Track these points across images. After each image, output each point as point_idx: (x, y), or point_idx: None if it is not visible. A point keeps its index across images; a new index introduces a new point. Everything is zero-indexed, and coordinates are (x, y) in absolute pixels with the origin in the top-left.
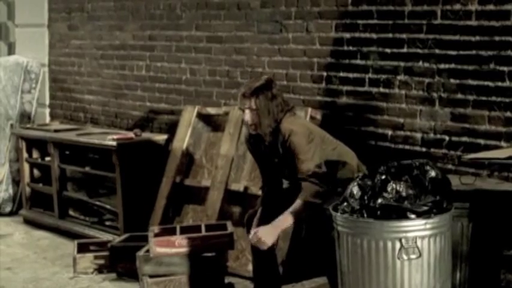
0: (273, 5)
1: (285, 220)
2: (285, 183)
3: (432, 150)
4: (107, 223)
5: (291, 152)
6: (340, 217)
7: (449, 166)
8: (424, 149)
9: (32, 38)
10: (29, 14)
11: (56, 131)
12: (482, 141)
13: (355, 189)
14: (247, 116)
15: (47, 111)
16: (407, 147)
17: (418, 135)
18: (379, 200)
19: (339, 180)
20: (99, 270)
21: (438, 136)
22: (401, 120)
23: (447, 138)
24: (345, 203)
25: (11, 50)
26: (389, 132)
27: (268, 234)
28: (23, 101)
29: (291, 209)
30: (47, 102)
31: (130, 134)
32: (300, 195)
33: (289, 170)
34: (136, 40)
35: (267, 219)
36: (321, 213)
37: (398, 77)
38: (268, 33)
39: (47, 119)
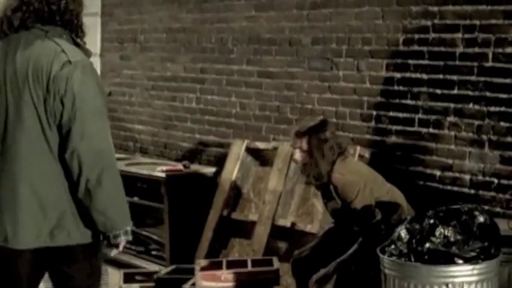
0: (324, 42)
1: None
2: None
3: (481, 192)
4: (153, 253)
5: (345, 201)
6: (387, 260)
7: (498, 209)
8: (472, 191)
9: None
10: None
11: None
12: None
13: (403, 233)
14: (297, 155)
15: None
16: (455, 188)
17: (467, 177)
18: (427, 245)
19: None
20: None
21: (487, 178)
22: (450, 161)
23: (496, 181)
24: (393, 246)
25: None
26: (438, 173)
27: None
28: None
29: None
30: None
31: (179, 166)
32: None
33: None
34: (187, 72)
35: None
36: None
37: (448, 118)
38: (318, 70)
39: None
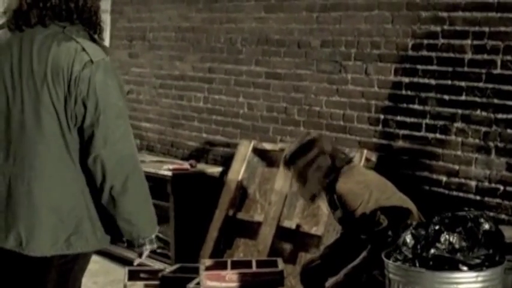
0: (333, 45)
1: None
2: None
3: (486, 199)
4: (158, 251)
5: (347, 211)
6: (392, 265)
7: (503, 216)
8: (478, 197)
9: None
10: None
11: None
12: None
13: (408, 238)
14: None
15: None
16: (461, 194)
17: (473, 183)
18: (432, 251)
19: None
20: None
21: (493, 185)
22: (456, 167)
23: (502, 187)
24: (398, 251)
25: None
26: (444, 179)
27: None
28: None
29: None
30: None
31: (186, 165)
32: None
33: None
34: (195, 72)
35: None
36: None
37: (456, 124)
38: (327, 72)
39: None
